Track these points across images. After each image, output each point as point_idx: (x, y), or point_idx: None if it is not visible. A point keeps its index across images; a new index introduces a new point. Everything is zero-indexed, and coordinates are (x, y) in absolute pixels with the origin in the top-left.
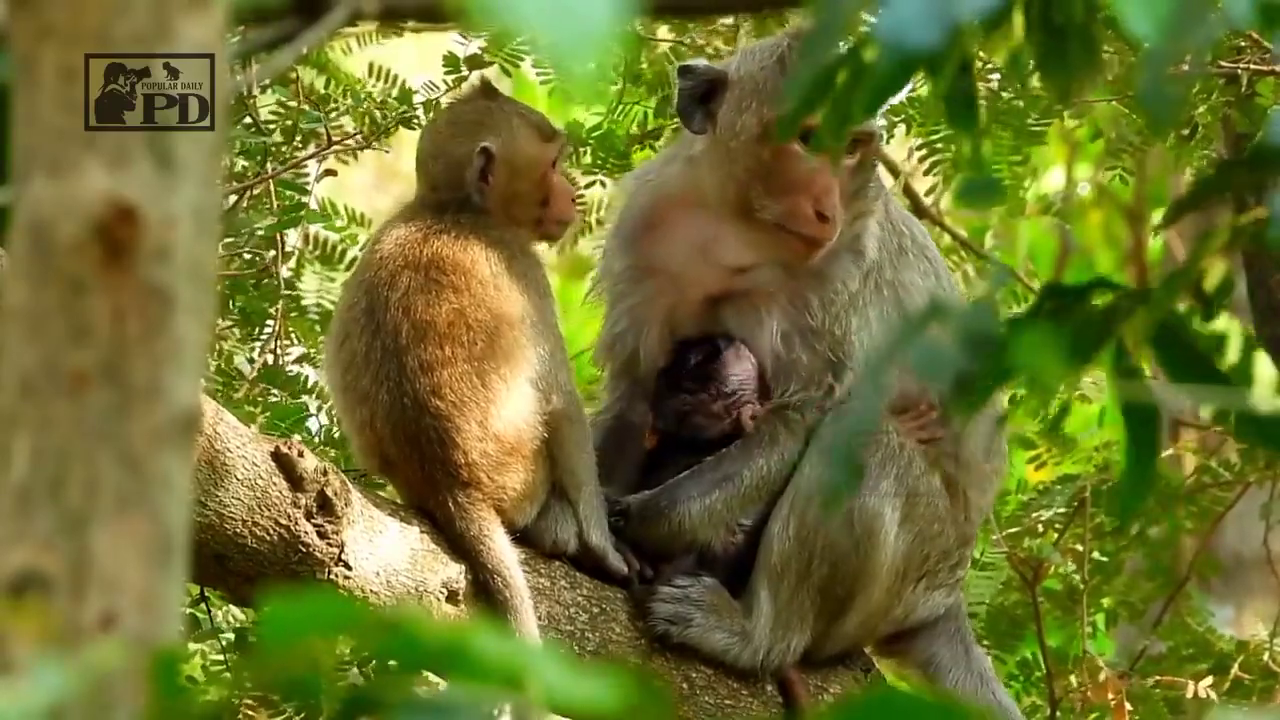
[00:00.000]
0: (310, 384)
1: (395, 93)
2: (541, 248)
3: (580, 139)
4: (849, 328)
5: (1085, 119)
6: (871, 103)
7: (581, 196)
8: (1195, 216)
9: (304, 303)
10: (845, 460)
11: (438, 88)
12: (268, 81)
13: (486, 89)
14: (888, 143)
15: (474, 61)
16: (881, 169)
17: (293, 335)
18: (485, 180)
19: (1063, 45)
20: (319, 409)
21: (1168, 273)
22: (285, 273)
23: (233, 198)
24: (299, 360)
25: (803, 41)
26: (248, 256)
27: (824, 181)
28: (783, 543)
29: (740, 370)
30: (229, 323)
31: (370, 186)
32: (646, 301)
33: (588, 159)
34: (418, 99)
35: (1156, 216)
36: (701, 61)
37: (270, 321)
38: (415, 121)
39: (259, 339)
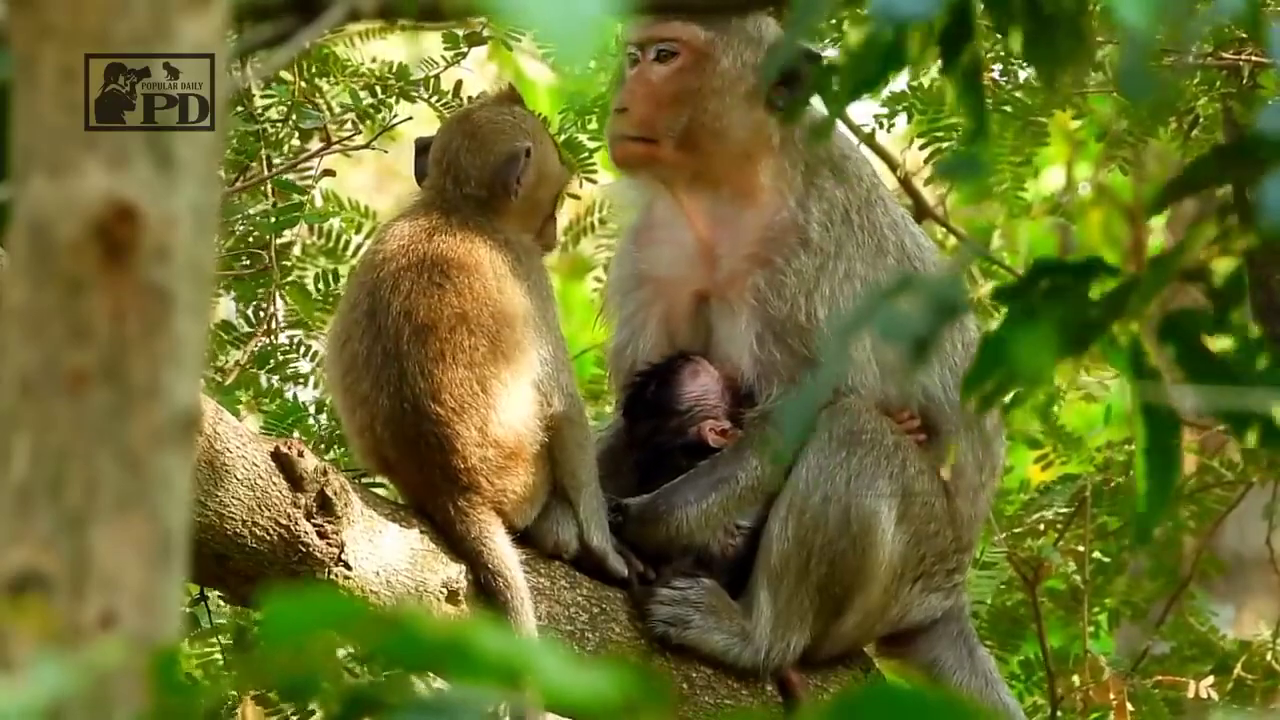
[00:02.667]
0: (305, 350)
1: (392, 72)
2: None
3: (586, 107)
4: (815, 317)
5: (1087, 118)
6: (866, 83)
7: (592, 169)
8: (1195, 215)
9: (305, 287)
10: (796, 418)
11: (436, 64)
12: (268, 78)
13: (514, 94)
14: (888, 132)
15: (473, 39)
16: (879, 167)
17: (288, 302)
18: (519, 179)
19: (1051, 33)
20: (311, 384)
21: (1153, 255)
22: (284, 261)
23: (231, 191)
24: (295, 325)
25: (784, 27)
26: (240, 237)
27: (624, 89)
28: (782, 543)
29: (695, 387)
30: (226, 293)
31: (370, 186)
32: (640, 310)
33: (594, 125)
34: (417, 79)
35: (1157, 216)
36: None
37: (263, 300)
38: (415, 95)
39: (255, 301)
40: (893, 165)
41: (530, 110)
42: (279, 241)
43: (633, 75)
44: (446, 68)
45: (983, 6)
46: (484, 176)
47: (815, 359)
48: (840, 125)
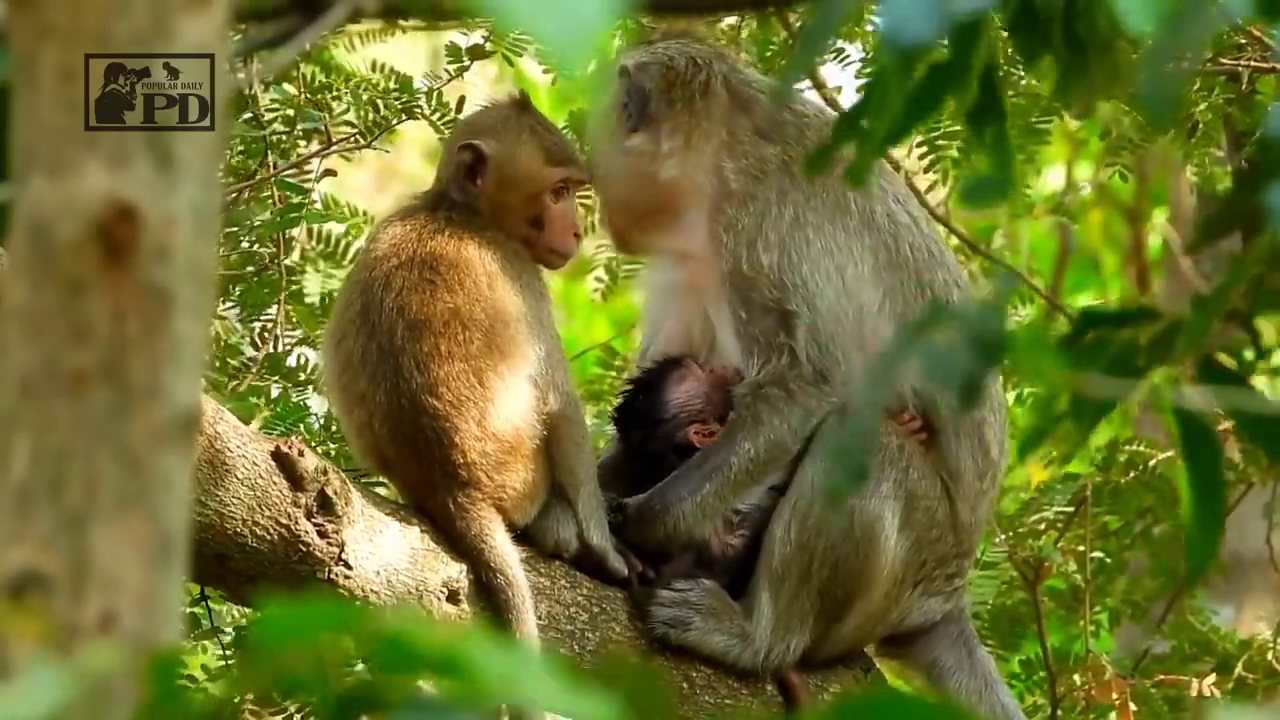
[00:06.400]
0: (311, 368)
1: (395, 83)
2: None
3: (583, 126)
4: (760, 264)
5: (1088, 118)
6: (906, 124)
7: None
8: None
9: (307, 297)
10: (848, 460)
11: (439, 78)
12: (270, 79)
13: (517, 101)
14: None
15: (476, 52)
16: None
17: (293, 319)
18: (473, 180)
19: (1084, 60)
20: (316, 393)
21: (1194, 295)
22: (287, 262)
23: (234, 192)
24: (300, 343)
25: (801, 36)
26: (246, 246)
27: None
28: (784, 546)
29: (680, 392)
30: (229, 304)
31: (370, 187)
32: (658, 315)
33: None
34: (419, 91)
35: (1157, 216)
36: None
37: (271, 310)
38: (419, 111)
39: (259, 320)
40: (895, 165)
41: (522, 111)
42: (284, 259)
43: None
44: (449, 81)
45: (1007, 34)
46: (445, 172)
47: (780, 309)
48: (812, 95)
